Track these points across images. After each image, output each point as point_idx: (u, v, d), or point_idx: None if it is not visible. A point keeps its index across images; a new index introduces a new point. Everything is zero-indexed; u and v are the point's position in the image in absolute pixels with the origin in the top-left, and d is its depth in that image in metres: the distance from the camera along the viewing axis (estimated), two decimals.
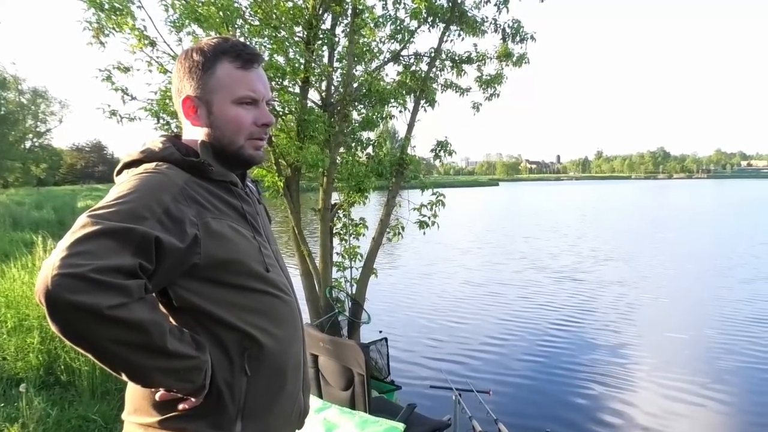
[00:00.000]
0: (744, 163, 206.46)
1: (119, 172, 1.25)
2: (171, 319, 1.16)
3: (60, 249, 0.97)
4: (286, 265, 1.48)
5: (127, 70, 5.57)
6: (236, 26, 5.51)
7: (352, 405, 2.97)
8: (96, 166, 69.41)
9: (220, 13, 5.08)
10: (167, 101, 5.53)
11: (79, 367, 4.15)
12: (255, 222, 1.32)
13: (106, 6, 5.23)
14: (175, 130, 5.64)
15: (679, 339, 7.62)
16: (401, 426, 2.48)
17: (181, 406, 1.15)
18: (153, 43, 5.47)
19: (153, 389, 1.15)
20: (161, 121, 5.67)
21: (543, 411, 5.52)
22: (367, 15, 6.18)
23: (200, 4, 5.17)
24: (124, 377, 1.06)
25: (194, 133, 1.31)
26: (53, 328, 0.96)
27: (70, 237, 0.98)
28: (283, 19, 5.66)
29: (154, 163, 1.20)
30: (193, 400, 1.15)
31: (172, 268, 1.09)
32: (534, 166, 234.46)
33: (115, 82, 5.46)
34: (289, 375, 1.33)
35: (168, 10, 5.43)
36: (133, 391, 1.21)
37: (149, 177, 1.15)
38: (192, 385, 1.12)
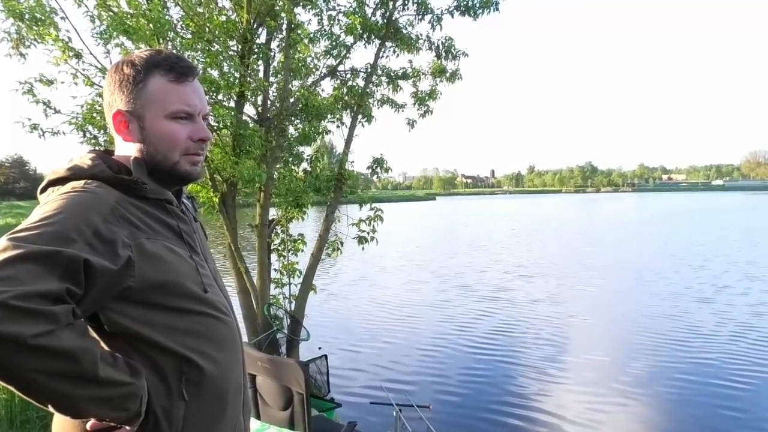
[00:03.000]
0: (665, 177, 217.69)
1: (43, 190, 1.18)
2: (103, 345, 1.10)
3: None
4: (225, 285, 1.43)
5: (50, 82, 5.31)
6: (168, 39, 5.37)
7: (291, 425, 2.91)
8: (17, 182, 66.05)
9: (150, 25, 4.95)
10: (94, 114, 5.32)
11: None
12: (192, 241, 1.27)
13: (27, 16, 4.98)
14: (103, 144, 5.46)
15: (602, 353, 7.89)
16: None
17: None
18: (78, 55, 5.25)
19: (84, 419, 1.08)
20: (87, 134, 5.43)
21: (481, 423, 5.59)
22: (300, 32, 6.17)
23: (129, 16, 5.01)
24: (51, 409, 0.98)
25: (126, 149, 1.25)
26: None
27: None
28: (217, 32, 5.58)
29: (82, 181, 1.13)
30: (127, 428, 1.09)
31: (103, 292, 1.03)
32: (470, 180, 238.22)
33: (37, 95, 5.19)
34: (230, 399, 1.28)
35: (94, 21, 5.23)
36: (61, 421, 1.13)
37: (77, 196, 1.08)
38: (127, 413, 1.05)
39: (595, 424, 5.52)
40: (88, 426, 1.08)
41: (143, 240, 1.11)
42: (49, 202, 1.07)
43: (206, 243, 1.44)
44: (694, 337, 8.50)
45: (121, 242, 1.06)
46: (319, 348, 5.06)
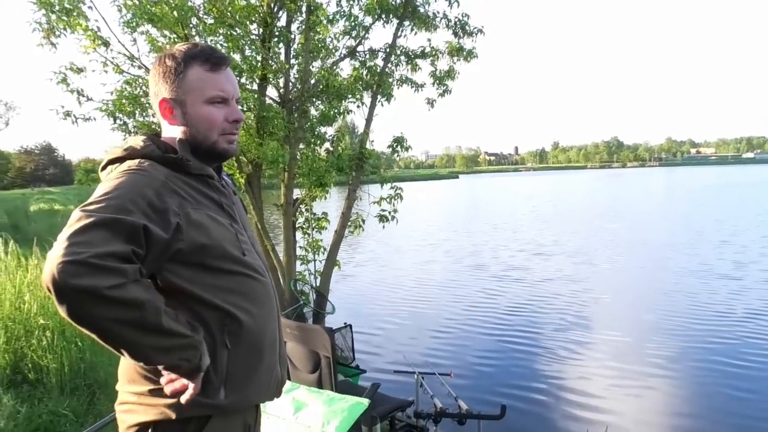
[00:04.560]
0: (693, 151, 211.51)
1: (104, 168, 1.38)
2: None
3: (61, 241, 1.09)
4: (262, 251, 1.62)
5: (81, 70, 5.54)
6: (191, 25, 5.54)
7: (319, 386, 3.10)
8: (47, 168, 67.27)
9: (174, 12, 5.12)
10: (123, 101, 5.54)
11: (47, 365, 4.15)
12: (231, 211, 1.46)
13: (57, 7, 5.19)
14: (133, 130, 5.68)
15: (624, 330, 7.89)
16: (366, 401, 2.62)
17: (183, 399, 1.25)
18: (107, 44, 5.46)
19: (147, 366, 1.26)
20: (118, 121, 5.66)
21: (501, 397, 5.67)
22: (320, 13, 6.26)
23: (153, 4, 5.18)
24: (125, 355, 1.18)
25: (172, 132, 1.45)
26: (60, 311, 1.08)
27: (67, 230, 1.11)
28: (238, 17, 5.72)
29: (137, 161, 1.33)
30: (192, 385, 1.24)
31: (159, 254, 1.22)
32: (493, 157, 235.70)
33: (70, 84, 5.42)
34: (266, 349, 1.47)
35: (121, 10, 5.42)
36: (127, 365, 1.34)
37: (133, 174, 1.27)
38: (188, 363, 1.23)
39: (617, 396, 5.59)
40: (169, 390, 1.25)
41: (190, 210, 1.30)
42: (110, 180, 1.27)
43: (245, 214, 1.63)
44: (718, 316, 8.30)
45: (172, 211, 1.25)
46: (345, 322, 5.24)
